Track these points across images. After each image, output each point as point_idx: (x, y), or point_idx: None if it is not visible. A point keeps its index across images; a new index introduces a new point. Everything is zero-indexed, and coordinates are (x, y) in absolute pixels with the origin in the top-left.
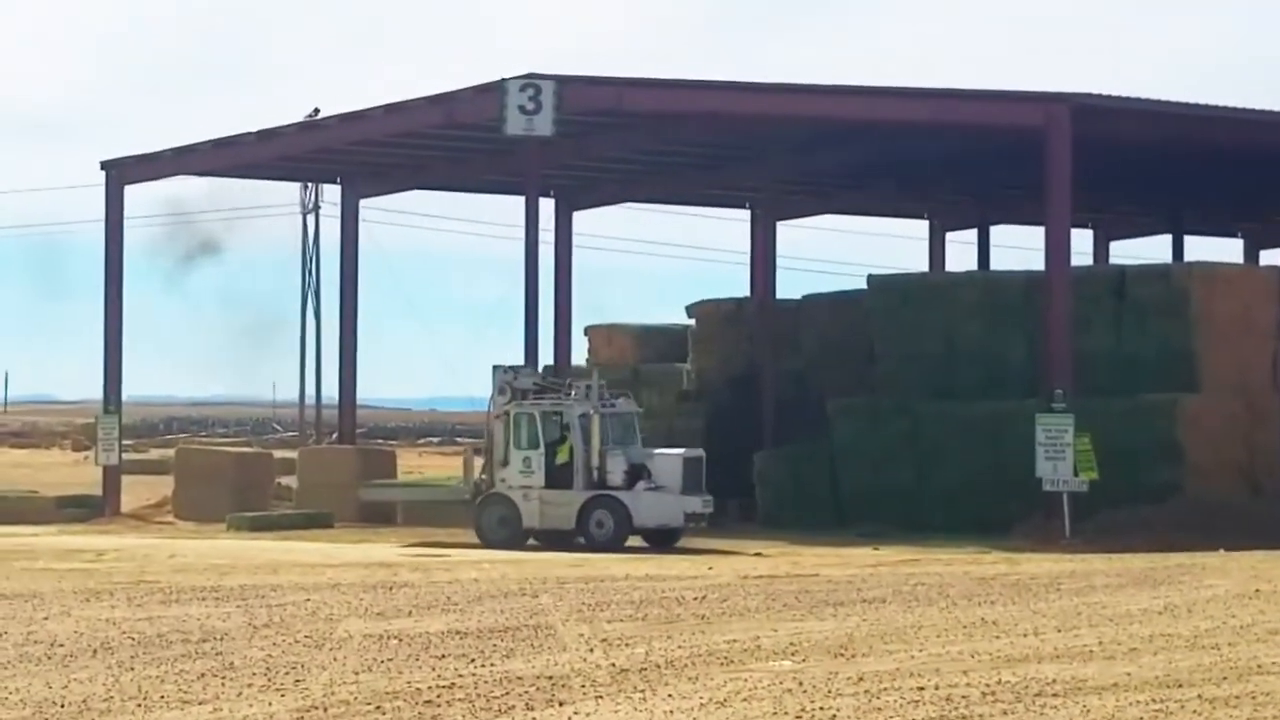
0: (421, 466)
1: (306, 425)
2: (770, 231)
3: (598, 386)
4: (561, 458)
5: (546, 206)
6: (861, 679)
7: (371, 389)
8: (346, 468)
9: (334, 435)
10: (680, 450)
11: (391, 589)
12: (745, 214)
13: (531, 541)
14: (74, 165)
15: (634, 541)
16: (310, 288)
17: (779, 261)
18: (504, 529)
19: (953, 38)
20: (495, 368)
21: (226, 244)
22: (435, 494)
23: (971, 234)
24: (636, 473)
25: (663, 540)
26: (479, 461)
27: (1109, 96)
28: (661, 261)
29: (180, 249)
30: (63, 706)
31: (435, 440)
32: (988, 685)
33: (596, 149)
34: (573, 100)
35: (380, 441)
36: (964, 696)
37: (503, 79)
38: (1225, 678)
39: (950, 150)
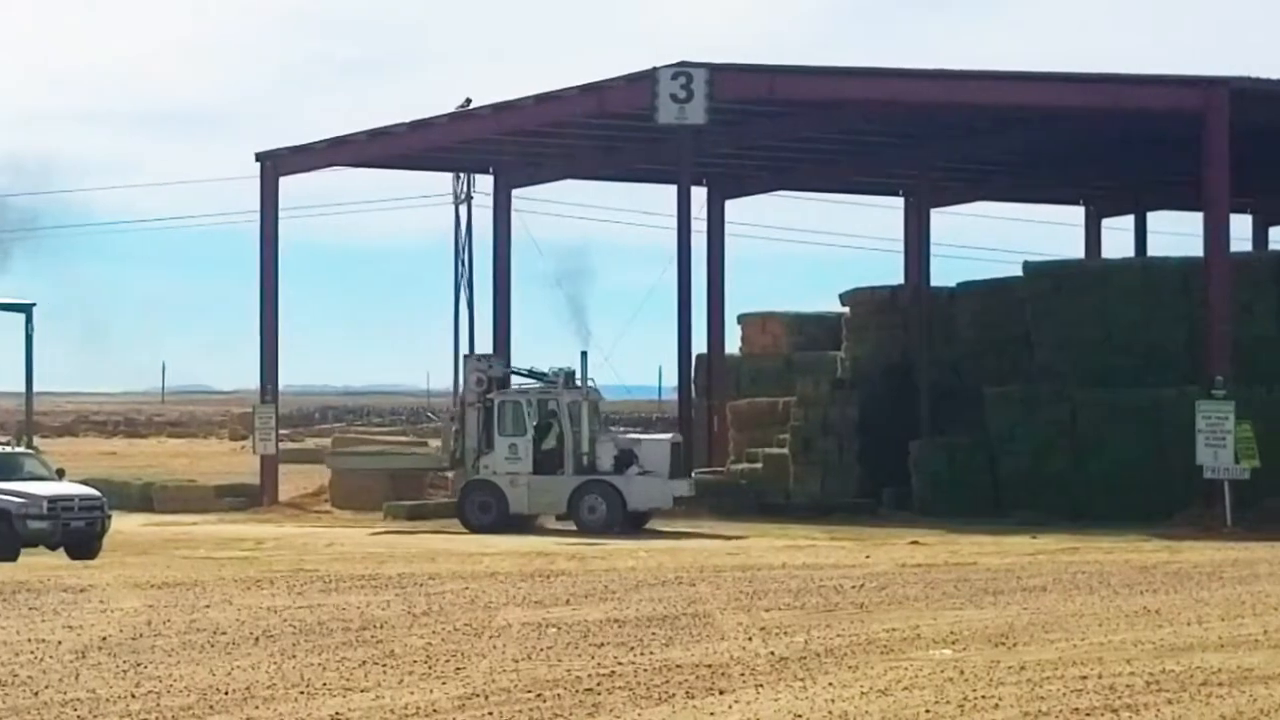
0: None
1: None
2: (924, 218)
3: (582, 374)
4: (549, 444)
5: (699, 195)
6: (1023, 668)
7: None
8: None
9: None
10: (667, 435)
11: (549, 577)
12: (899, 201)
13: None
14: (230, 158)
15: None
16: (463, 278)
17: (933, 249)
18: (486, 515)
19: (1109, 21)
20: (466, 357)
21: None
22: (411, 462)
23: (1128, 220)
24: (625, 458)
25: (635, 523)
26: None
27: (1268, 80)
28: (815, 249)
29: None
30: (227, 694)
31: None
32: (1151, 674)
33: (749, 137)
34: (725, 88)
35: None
36: (1128, 686)
37: (654, 68)
38: None
39: (1107, 135)
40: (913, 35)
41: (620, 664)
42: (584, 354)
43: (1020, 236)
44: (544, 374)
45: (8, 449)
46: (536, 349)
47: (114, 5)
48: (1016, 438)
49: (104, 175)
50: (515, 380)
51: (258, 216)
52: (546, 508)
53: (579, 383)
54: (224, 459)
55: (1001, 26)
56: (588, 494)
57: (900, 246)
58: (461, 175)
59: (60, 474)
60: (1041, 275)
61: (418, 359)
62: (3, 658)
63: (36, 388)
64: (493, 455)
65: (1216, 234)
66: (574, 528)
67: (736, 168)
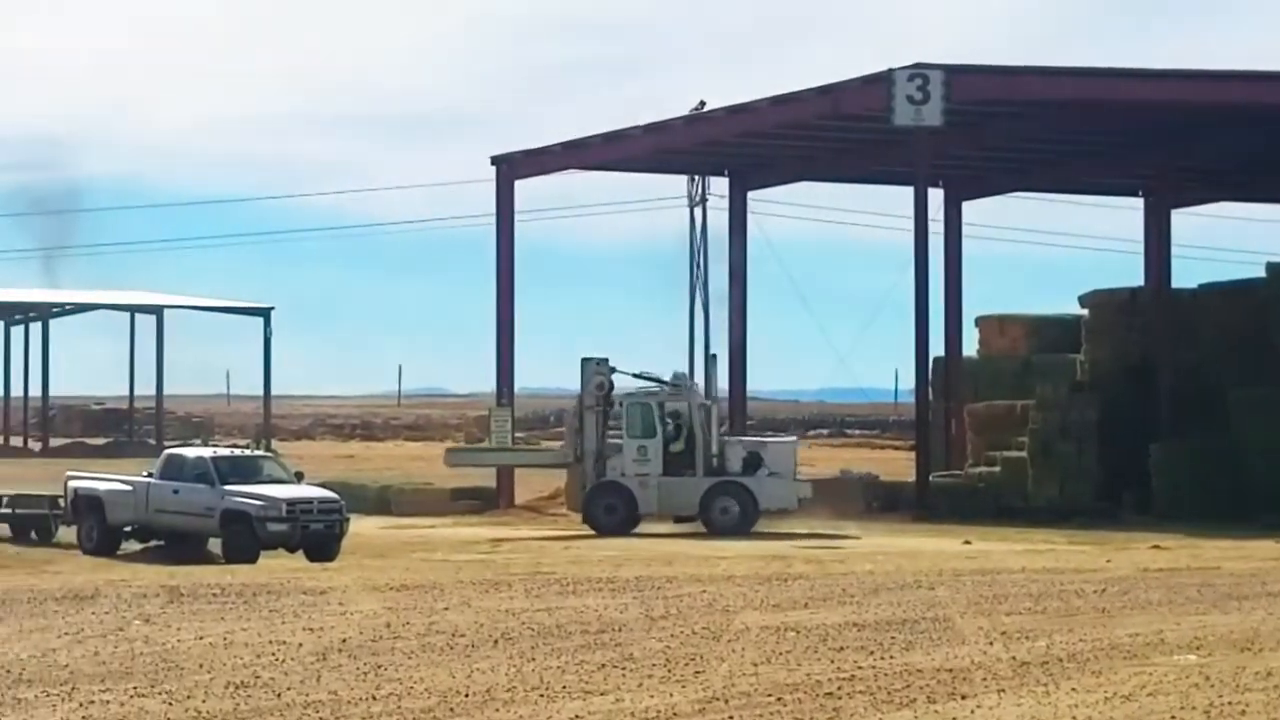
0: (812, 459)
1: None
2: (1165, 219)
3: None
4: (678, 446)
5: (935, 196)
6: (1269, 674)
7: (761, 381)
8: None
9: (724, 427)
10: (791, 438)
11: (786, 581)
12: (1138, 202)
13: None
14: (465, 161)
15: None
16: (699, 280)
17: (1173, 249)
18: (613, 516)
19: None
20: (584, 360)
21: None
22: (533, 458)
23: None
24: (753, 460)
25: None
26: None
27: None
28: (1053, 250)
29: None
30: (467, 696)
31: (825, 432)
32: None
33: (985, 138)
34: (961, 90)
35: (770, 433)
36: None
37: (890, 69)
38: None
39: None
40: (1155, 33)
41: (860, 668)
42: (714, 357)
43: (1262, 237)
44: (660, 379)
45: (247, 452)
46: (776, 351)
47: (351, 9)
48: (1261, 441)
49: (341, 180)
50: (634, 384)
51: (493, 219)
52: (677, 509)
53: (691, 386)
54: None
55: (1249, 24)
56: (720, 495)
57: (1140, 247)
58: (696, 178)
59: (299, 477)
60: None
61: (652, 362)
62: (245, 659)
63: (275, 391)
64: (620, 457)
65: None
66: (682, 530)
67: (973, 169)
